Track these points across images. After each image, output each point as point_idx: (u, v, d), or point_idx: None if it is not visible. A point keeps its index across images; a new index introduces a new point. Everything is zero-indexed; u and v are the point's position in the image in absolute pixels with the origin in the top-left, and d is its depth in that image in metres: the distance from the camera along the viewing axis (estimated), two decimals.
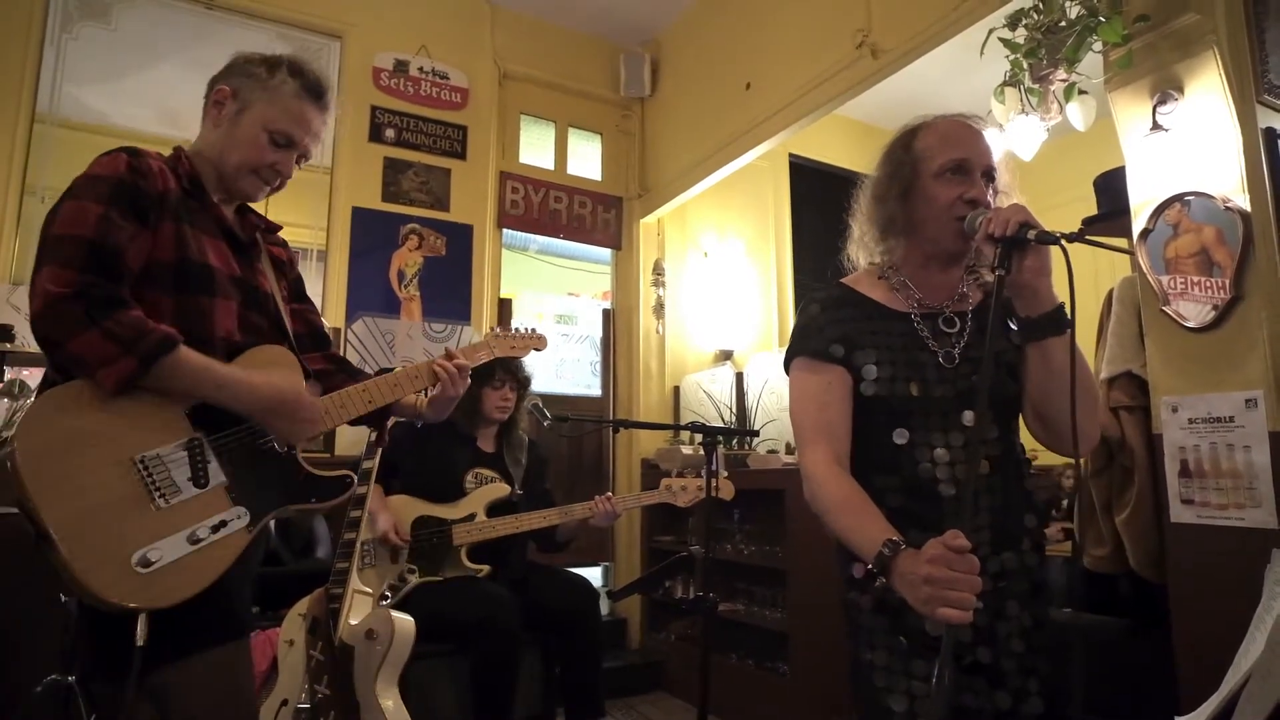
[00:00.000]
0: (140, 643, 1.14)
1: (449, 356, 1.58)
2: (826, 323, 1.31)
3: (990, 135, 1.33)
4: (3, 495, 1.11)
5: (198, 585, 1.17)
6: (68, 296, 1.13)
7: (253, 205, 1.50)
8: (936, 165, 1.27)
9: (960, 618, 0.94)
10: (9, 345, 2.41)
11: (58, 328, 1.14)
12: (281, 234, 1.59)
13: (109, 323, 1.15)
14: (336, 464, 1.61)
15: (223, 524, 1.22)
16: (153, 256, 1.25)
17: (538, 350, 1.90)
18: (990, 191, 1.27)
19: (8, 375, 2.42)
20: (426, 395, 1.60)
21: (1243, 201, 1.83)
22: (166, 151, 1.39)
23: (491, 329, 1.82)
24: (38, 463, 1.12)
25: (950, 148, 1.28)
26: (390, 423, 1.64)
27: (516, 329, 1.85)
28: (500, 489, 2.58)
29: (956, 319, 1.29)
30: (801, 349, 1.32)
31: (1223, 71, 1.88)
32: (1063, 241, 1.11)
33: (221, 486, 1.25)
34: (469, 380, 1.61)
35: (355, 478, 1.40)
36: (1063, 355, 1.17)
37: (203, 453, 1.24)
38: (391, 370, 1.54)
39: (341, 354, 1.66)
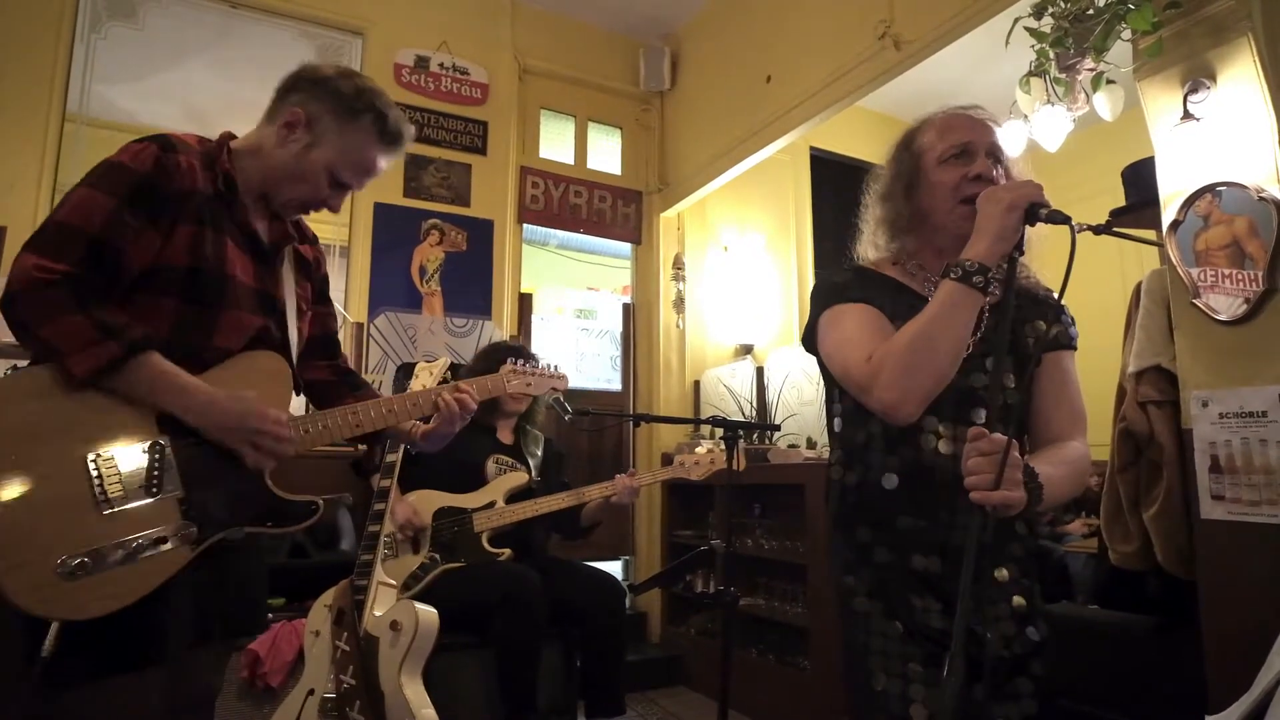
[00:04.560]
0: (45, 653, 1.06)
1: (457, 389, 1.49)
2: (862, 284, 1.29)
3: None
4: None
5: (121, 601, 1.08)
6: (54, 283, 1.08)
7: None
8: (938, 152, 1.26)
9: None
10: None
11: (36, 311, 1.08)
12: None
13: (98, 311, 1.10)
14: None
15: (163, 539, 1.13)
16: (162, 259, 1.18)
17: (556, 390, 1.82)
18: (998, 172, 1.25)
19: None
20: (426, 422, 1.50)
21: (1277, 191, 1.78)
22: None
23: (511, 362, 1.76)
24: None
25: (951, 134, 1.27)
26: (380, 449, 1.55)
27: (540, 367, 1.80)
28: (519, 477, 2.61)
29: None
30: (842, 298, 1.27)
31: (1258, 58, 1.84)
32: (1080, 228, 1.07)
33: (174, 498, 1.16)
34: (469, 418, 1.52)
35: (320, 505, 1.29)
36: None
37: (163, 459, 1.16)
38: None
39: (348, 361, 1.59)
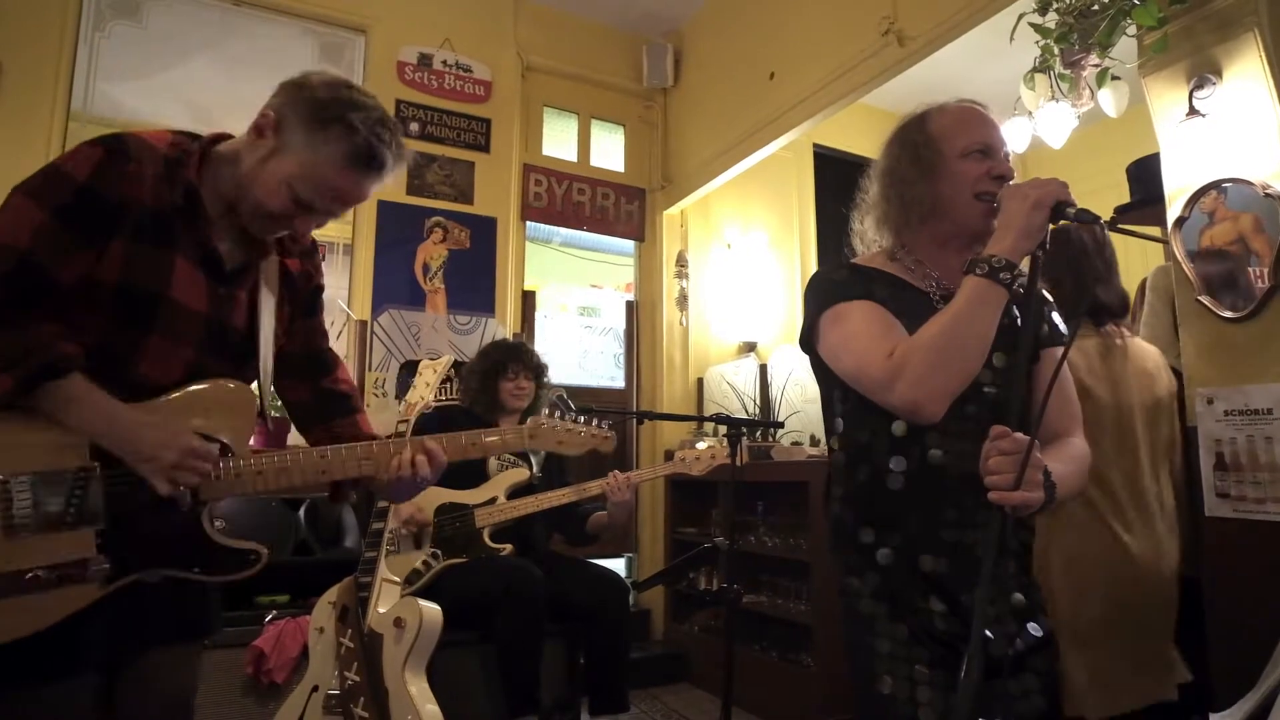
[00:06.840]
0: None
1: (424, 446, 1.31)
2: (862, 280, 1.26)
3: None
4: None
5: (12, 633, 1.02)
6: None
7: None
8: (961, 146, 1.24)
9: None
10: None
11: None
12: (309, 238, 1.40)
13: (6, 332, 1.03)
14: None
15: (70, 574, 1.05)
16: (94, 275, 1.09)
17: (602, 451, 1.54)
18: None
19: None
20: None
21: None
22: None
23: (546, 413, 1.48)
24: None
25: (972, 129, 1.26)
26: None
27: (580, 421, 1.52)
28: (520, 473, 2.62)
29: None
30: (843, 296, 1.24)
31: (1264, 54, 1.83)
32: (1103, 225, 1.08)
33: (92, 531, 1.08)
34: (428, 484, 1.36)
35: (262, 554, 1.19)
36: None
37: (86, 487, 1.08)
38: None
39: (348, 374, 1.44)
